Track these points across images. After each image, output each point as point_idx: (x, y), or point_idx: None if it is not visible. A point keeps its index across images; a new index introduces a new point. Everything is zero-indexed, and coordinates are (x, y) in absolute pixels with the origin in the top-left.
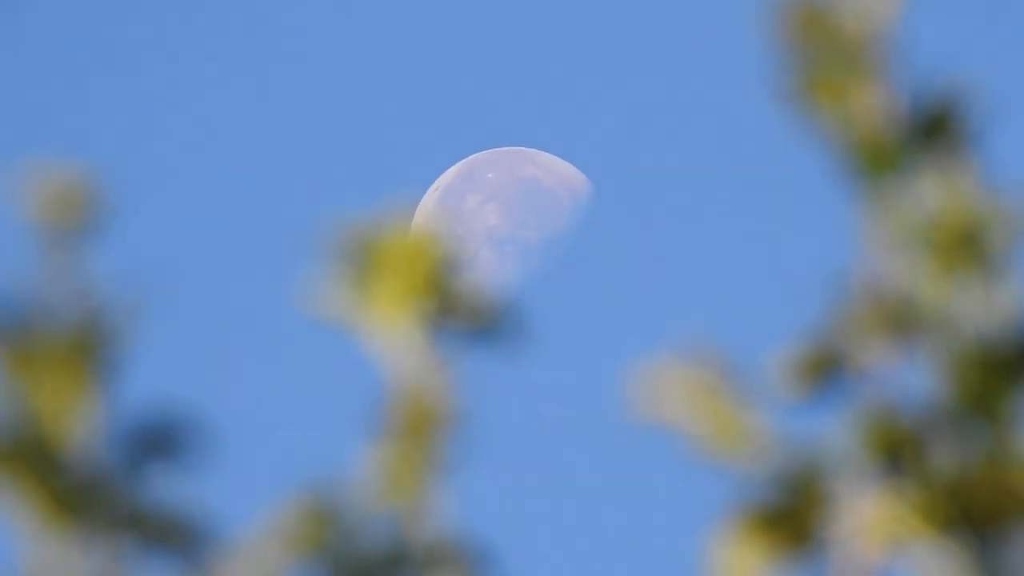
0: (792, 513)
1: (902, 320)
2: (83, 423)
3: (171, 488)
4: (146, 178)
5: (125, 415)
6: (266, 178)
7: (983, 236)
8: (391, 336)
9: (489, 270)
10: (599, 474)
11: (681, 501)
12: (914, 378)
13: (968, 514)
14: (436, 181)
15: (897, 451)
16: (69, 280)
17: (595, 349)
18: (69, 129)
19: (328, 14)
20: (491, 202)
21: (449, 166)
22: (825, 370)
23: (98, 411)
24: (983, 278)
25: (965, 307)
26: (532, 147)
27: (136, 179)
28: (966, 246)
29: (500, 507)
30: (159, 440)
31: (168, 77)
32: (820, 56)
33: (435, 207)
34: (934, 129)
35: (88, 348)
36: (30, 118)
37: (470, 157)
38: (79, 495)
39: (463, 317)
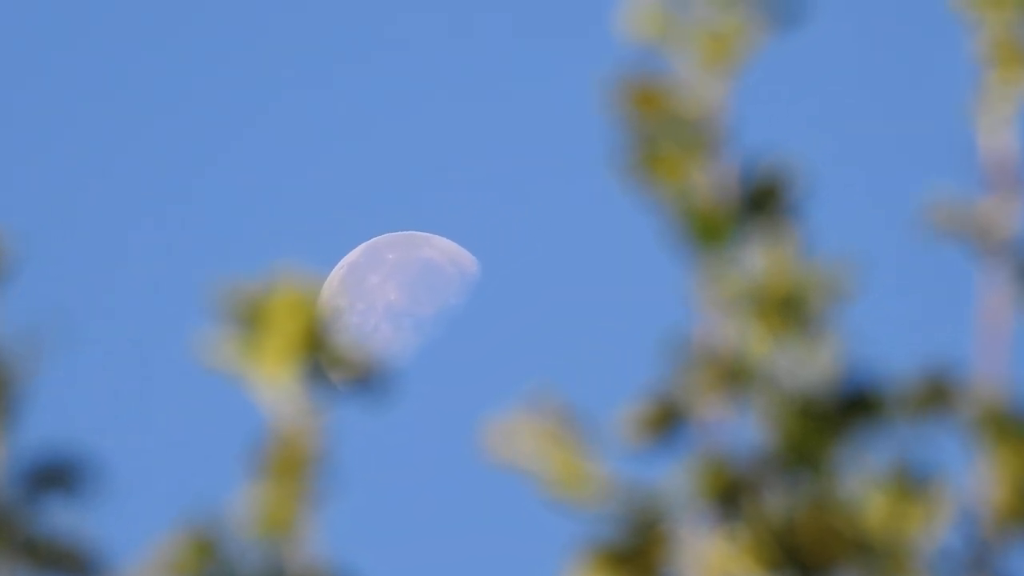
0: (636, 552)
1: (733, 376)
2: None
3: (67, 520)
4: (54, 233)
5: (25, 451)
6: (180, 249)
7: (804, 300)
8: (272, 386)
9: (387, 340)
10: (463, 514)
11: (535, 540)
12: (745, 429)
13: (795, 554)
14: (341, 260)
15: (730, 496)
16: None
17: (469, 405)
18: None
19: (262, 96)
20: (390, 280)
21: (353, 247)
22: (665, 422)
23: (0, 448)
24: (805, 338)
25: (789, 365)
26: (428, 231)
27: (44, 233)
28: (789, 309)
29: (368, 540)
30: (56, 475)
31: (77, 139)
32: (657, 133)
33: (339, 284)
34: (760, 202)
35: None
36: None
37: (372, 240)
38: None
39: (338, 370)
